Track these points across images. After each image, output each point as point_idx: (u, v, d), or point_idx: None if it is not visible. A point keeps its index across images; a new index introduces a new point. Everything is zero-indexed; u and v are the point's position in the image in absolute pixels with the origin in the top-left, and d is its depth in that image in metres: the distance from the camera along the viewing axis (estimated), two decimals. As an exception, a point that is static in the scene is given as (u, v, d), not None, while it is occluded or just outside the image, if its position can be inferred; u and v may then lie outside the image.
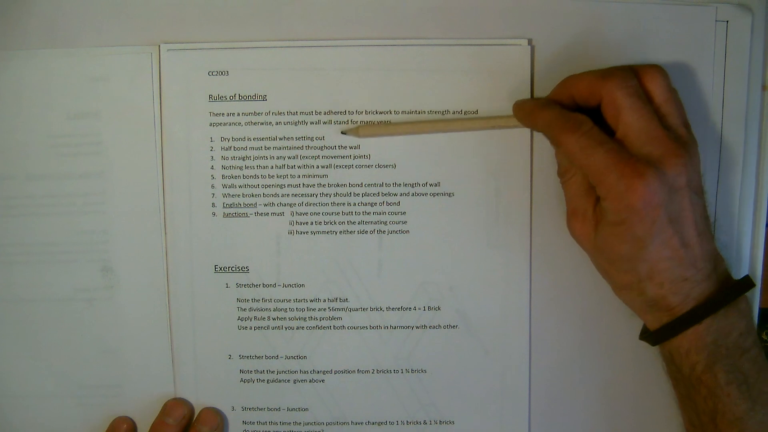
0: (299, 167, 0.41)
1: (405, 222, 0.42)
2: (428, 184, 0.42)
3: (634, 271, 0.36)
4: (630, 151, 0.34)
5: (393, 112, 0.41)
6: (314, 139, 0.41)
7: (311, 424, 0.43)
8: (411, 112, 0.41)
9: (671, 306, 0.36)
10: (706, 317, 0.35)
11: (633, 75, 0.35)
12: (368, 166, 0.41)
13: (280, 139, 0.41)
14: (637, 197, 0.34)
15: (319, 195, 0.42)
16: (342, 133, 0.41)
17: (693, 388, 0.36)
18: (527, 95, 0.41)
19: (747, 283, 0.36)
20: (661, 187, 0.34)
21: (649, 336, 0.38)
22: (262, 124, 0.41)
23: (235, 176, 0.41)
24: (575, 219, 0.38)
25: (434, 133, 0.41)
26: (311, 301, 0.42)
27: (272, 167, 0.41)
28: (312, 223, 0.42)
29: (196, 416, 0.43)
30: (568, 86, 0.37)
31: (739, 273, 0.42)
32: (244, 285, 0.42)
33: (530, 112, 0.38)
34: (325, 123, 0.41)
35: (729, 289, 0.36)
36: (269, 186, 0.41)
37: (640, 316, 0.38)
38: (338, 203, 0.42)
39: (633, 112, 0.34)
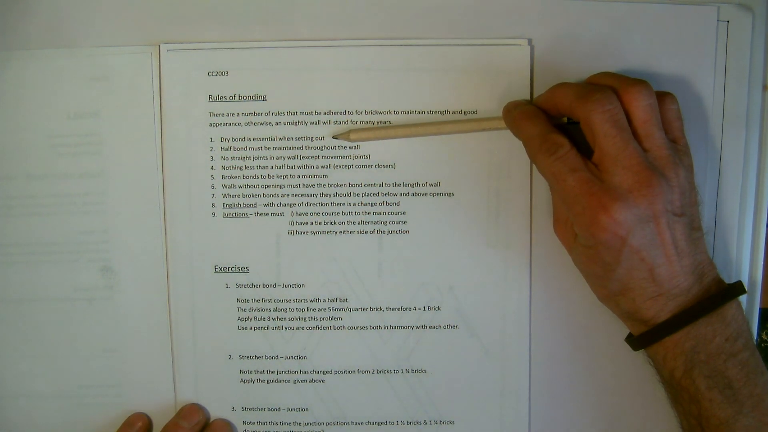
0: (299, 167, 0.41)
1: (405, 222, 0.42)
2: (428, 184, 0.41)
3: (606, 287, 0.37)
4: (603, 177, 0.34)
5: (393, 112, 0.41)
6: (314, 139, 0.41)
7: (311, 424, 0.43)
8: (411, 112, 0.41)
9: (646, 318, 0.36)
10: (681, 327, 0.35)
11: (612, 97, 0.34)
12: (368, 166, 0.41)
13: (280, 139, 0.41)
14: (601, 230, 0.34)
15: (318, 195, 0.42)
16: (333, 137, 0.41)
17: (677, 393, 0.37)
18: (527, 95, 0.40)
19: (735, 290, 0.36)
20: (627, 219, 0.33)
21: (630, 341, 0.39)
22: (261, 124, 0.41)
23: (235, 176, 0.41)
24: (559, 224, 0.40)
25: (426, 136, 0.41)
26: (311, 301, 0.42)
27: (272, 167, 0.41)
28: (312, 223, 0.42)
29: (208, 425, 0.43)
30: (554, 97, 0.37)
31: (739, 274, 0.42)
32: (244, 285, 0.42)
33: (515, 122, 0.38)
34: (325, 123, 0.41)
35: (710, 299, 0.35)
36: (269, 186, 0.41)
37: (623, 322, 0.39)
38: (338, 203, 0.42)
39: (608, 139, 0.34)
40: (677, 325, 0.35)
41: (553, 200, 0.40)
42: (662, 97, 0.36)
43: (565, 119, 0.38)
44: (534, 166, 0.41)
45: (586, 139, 0.36)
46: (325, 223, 0.42)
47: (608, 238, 0.34)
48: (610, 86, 0.35)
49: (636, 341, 0.38)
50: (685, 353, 0.35)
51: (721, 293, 0.36)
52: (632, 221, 0.34)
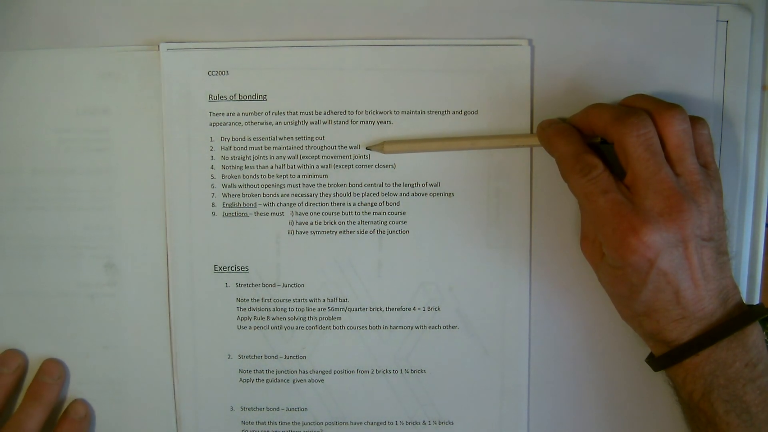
0: (299, 167, 0.41)
1: (405, 222, 0.42)
2: (428, 184, 0.42)
3: (631, 308, 0.37)
4: (634, 200, 0.35)
5: (393, 112, 0.41)
6: (314, 139, 0.41)
7: (310, 424, 0.43)
8: (411, 112, 0.41)
9: (668, 340, 0.36)
10: (702, 349, 0.35)
11: (647, 121, 0.35)
12: (368, 166, 0.41)
13: (280, 139, 0.41)
14: (629, 252, 0.34)
15: (319, 195, 0.42)
16: (367, 148, 0.41)
17: (695, 415, 0.37)
18: (527, 95, 0.41)
19: (755, 312, 0.36)
20: (656, 242, 0.34)
21: (651, 362, 0.39)
22: (261, 124, 0.41)
23: (235, 176, 0.41)
24: (586, 242, 0.40)
25: (460, 150, 0.41)
26: (311, 301, 0.42)
27: (272, 167, 0.41)
28: (312, 223, 0.42)
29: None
30: (589, 117, 0.37)
31: (738, 273, 0.42)
32: (244, 285, 0.42)
33: (549, 139, 0.38)
34: (325, 123, 0.41)
35: (731, 321, 0.35)
36: (269, 186, 0.41)
37: (645, 342, 0.39)
38: (338, 203, 0.42)
39: (641, 162, 0.34)
40: (698, 346, 0.35)
41: (582, 219, 0.40)
42: (693, 121, 0.36)
43: (598, 139, 0.38)
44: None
45: (619, 160, 0.36)
46: (325, 223, 0.42)
47: (637, 260, 0.34)
48: (644, 109, 0.36)
49: (657, 362, 0.38)
50: (704, 376, 0.35)
51: (742, 315, 0.36)
52: (661, 244, 0.34)
